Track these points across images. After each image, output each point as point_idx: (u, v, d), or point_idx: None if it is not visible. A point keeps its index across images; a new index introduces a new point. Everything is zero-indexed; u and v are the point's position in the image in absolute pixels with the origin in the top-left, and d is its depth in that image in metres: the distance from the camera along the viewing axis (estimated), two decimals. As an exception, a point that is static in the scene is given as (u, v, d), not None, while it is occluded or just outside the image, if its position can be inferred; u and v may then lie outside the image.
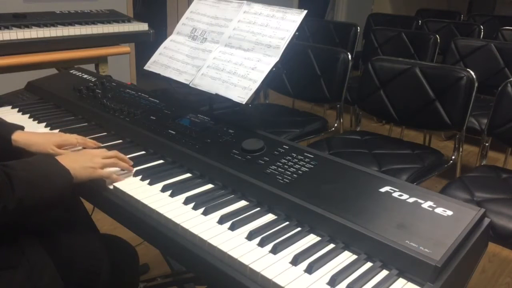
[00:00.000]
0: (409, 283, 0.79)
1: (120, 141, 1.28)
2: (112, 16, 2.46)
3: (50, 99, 1.56)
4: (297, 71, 2.46)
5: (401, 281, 0.79)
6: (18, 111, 1.46)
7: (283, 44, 1.33)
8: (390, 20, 4.38)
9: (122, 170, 1.09)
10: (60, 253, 1.07)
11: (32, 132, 1.21)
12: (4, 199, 0.85)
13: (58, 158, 1.00)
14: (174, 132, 1.26)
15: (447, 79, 1.99)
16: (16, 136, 1.15)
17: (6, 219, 0.87)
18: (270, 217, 0.96)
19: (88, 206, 1.21)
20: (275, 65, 1.32)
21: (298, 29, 1.34)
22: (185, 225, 0.90)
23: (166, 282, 1.84)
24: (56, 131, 1.32)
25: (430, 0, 6.24)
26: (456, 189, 1.69)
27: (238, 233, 0.89)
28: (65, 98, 1.52)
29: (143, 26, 2.47)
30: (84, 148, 1.18)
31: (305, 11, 1.35)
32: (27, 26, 2.07)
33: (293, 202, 0.95)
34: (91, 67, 2.17)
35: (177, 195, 1.01)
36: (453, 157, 2.04)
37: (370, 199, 0.95)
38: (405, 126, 3.08)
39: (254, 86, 1.30)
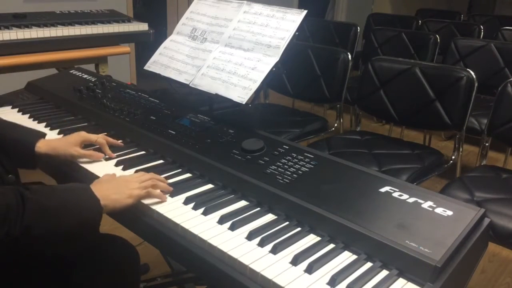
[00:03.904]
0: (409, 283, 0.79)
1: (120, 141, 1.28)
2: (112, 16, 2.46)
3: (50, 99, 1.56)
4: (297, 71, 2.46)
5: (401, 281, 0.79)
6: (18, 111, 1.47)
7: (283, 44, 1.33)
8: (390, 20, 4.37)
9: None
10: (60, 253, 1.07)
11: (52, 139, 1.19)
12: (9, 224, 0.79)
13: (93, 187, 0.94)
14: (174, 132, 1.26)
15: (447, 79, 1.99)
16: (40, 144, 1.13)
17: (10, 246, 0.81)
18: (270, 217, 0.96)
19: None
20: (275, 65, 1.32)
21: (298, 29, 1.34)
22: (185, 225, 0.90)
23: (166, 282, 1.84)
24: (56, 131, 1.32)
25: (430, 0, 6.24)
26: (456, 189, 1.69)
27: (238, 233, 0.89)
28: (65, 98, 1.52)
29: (143, 26, 2.47)
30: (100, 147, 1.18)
31: (305, 11, 1.35)
32: (27, 26, 2.07)
33: (293, 202, 0.95)
34: (91, 67, 2.17)
35: (177, 195, 1.01)
36: (453, 157, 2.04)
37: (370, 199, 0.95)
38: (405, 126, 3.08)
39: (254, 86, 1.30)
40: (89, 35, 2.25)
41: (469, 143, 3.35)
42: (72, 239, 0.92)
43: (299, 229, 0.92)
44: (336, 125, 2.42)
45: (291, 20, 1.36)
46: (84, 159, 1.15)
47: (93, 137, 1.18)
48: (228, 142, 1.19)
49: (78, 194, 0.91)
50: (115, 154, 1.18)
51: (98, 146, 1.19)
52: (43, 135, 1.18)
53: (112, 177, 1.03)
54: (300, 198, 0.95)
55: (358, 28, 3.50)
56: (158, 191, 1.00)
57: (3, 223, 0.78)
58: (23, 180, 1.10)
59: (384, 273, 0.81)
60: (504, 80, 1.96)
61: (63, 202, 0.88)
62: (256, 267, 0.80)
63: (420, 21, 4.22)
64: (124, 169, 1.13)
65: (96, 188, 0.94)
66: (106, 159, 1.16)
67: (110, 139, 1.22)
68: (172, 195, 1.01)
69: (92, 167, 1.12)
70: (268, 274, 0.78)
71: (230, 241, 0.87)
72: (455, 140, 2.03)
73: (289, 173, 1.04)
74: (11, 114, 1.44)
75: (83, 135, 1.17)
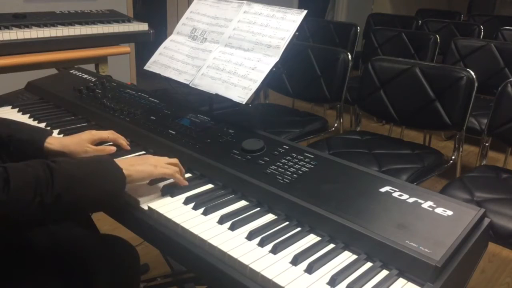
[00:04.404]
0: (409, 283, 0.79)
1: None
2: (112, 16, 2.46)
3: (50, 99, 1.56)
4: (297, 71, 2.46)
5: (401, 281, 0.79)
6: (18, 111, 1.47)
7: (283, 44, 1.33)
8: (390, 20, 4.38)
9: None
10: (60, 253, 1.07)
11: (62, 137, 1.21)
12: (42, 193, 0.82)
13: (115, 159, 0.97)
14: (174, 132, 1.26)
15: (447, 79, 1.99)
16: (50, 140, 1.14)
17: (44, 214, 0.84)
18: (270, 217, 0.96)
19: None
20: (275, 65, 1.32)
21: (298, 29, 1.34)
22: (185, 225, 0.90)
23: (166, 282, 1.84)
24: (56, 131, 1.32)
25: (430, 0, 6.24)
26: (456, 189, 1.69)
27: (238, 233, 0.89)
28: (65, 98, 1.52)
29: (143, 26, 2.47)
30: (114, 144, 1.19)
31: (305, 11, 1.35)
32: (27, 26, 2.07)
33: (293, 202, 0.95)
34: (91, 67, 2.17)
35: (177, 195, 1.01)
36: (453, 157, 2.04)
37: (370, 199, 0.95)
38: (405, 126, 3.08)
39: (254, 86, 1.30)
40: (89, 35, 2.25)
41: (469, 143, 3.35)
42: (99, 209, 0.98)
43: (299, 229, 0.92)
44: (336, 125, 2.42)
45: (291, 20, 1.36)
46: None
47: (104, 134, 1.19)
48: (228, 142, 1.19)
49: (101, 164, 0.94)
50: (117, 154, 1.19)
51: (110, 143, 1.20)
52: (50, 132, 1.19)
53: (138, 155, 1.08)
54: (300, 198, 0.95)
55: (358, 28, 3.51)
56: (180, 176, 1.03)
57: (35, 194, 0.81)
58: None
59: (384, 273, 0.81)
60: (504, 80, 1.96)
61: (87, 171, 0.91)
62: (256, 267, 0.80)
63: (420, 21, 4.22)
64: (124, 169, 1.12)
65: (119, 160, 0.97)
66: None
67: (119, 135, 1.22)
68: (172, 195, 1.01)
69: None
70: (268, 274, 0.78)
71: (230, 241, 0.87)
72: (455, 140, 2.03)
73: (289, 173, 1.04)
74: (11, 114, 1.44)
75: (94, 133, 1.18)
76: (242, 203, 1.01)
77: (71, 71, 1.78)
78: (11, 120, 1.23)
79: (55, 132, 1.32)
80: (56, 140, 1.15)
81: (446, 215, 0.90)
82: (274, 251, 0.84)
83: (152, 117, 1.35)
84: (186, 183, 1.04)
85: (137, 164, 0.98)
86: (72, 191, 0.86)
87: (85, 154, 1.14)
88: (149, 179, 1.01)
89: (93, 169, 0.92)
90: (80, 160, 0.96)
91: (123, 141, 1.21)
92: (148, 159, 1.02)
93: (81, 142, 1.15)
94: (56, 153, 1.13)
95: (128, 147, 1.21)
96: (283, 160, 1.09)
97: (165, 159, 1.05)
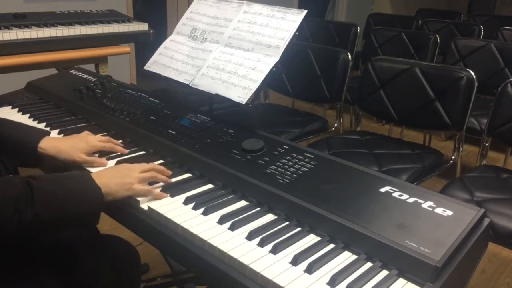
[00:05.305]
0: (409, 283, 0.79)
1: (120, 141, 1.27)
2: (112, 16, 2.46)
3: (50, 99, 1.56)
4: (297, 71, 2.46)
5: (401, 281, 0.79)
6: (18, 111, 1.47)
7: (283, 44, 1.33)
8: (390, 20, 4.38)
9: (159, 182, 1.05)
10: (60, 253, 1.07)
11: (58, 138, 1.19)
12: (21, 211, 0.82)
13: (93, 175, 0.96)
14: (174, 132, 1.26)
15: (447, 79, 1.99)
16: (44, 144, 1.13)
17: (23, 231, 0.84)
18: (270, 217, 0.96)
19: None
20: (275, 65, 1.32)
21: (298, 29, 1.34)
22: (185, 225, 0.90)
23: (166, 282, 1.84)
24: (56, 131, 1.32)
25: (430, 0, 6.24)
26: (456, 189, 1.69)
27: (238, 233, 0.89)
28: (65, 98, 1.52)
29: (143, 26, 2.47)
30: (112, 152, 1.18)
31: (305, 11, 1.35)
32: (27, 26, 2.07)
33: (293, 202, 0.95)
34: (91, 67, 2.17)
35: (177, 195, 1.01)
36: (453, 157, 2.04)
37: (370, 199, 0.95)
38: (405, 126, 3.08)
39: (254, 86, 1.30)
40: (89, 35, 2.25)
41: (469, 143, 3.35)
42: (77, 226, 1.00)
43: (299, 229, 0.92)
44: (336, 125, 2.42)
45: (291, 20, 1.36)
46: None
47: (100, 145, 1.16)
48: (228, 142, 1.19)
49: (80, 182, 0.94)
50: (115, 154, 1.18)
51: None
52: (47, 133, 1.18)
53: (113, 166, 1.06)
54: (300, 198, 0.95)
55: (358, 28, 3.51)
56: (157, 191, 1.01)
57: (15, 212, 0.82)
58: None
59: (384, 273, 0.81)
60: (504, 80, 1.96)
61: (66, 189, 0.91)
62: (256, 267, 0.80)
63: (420, 21, 4.22)
64: (124, 169, 1.12)
65: (96, 176, 0.96)
66: (107, 159, 1.16)
67: (114, 141, 1.21)
68: (172, 195, 1.01)
69: (93, 168, 1.13)
70: (268, 274, 0.78)
71: (230, 241, 0.87)
72: (455, 140, 2.03)
73: (289, 173, 1.04)
74: (11, 114, 1.44)
75: (91, 143, 1.15)
76: (242, 203, 1.01)
77: (71, 71, 1.78)
78: (7, 120, 1.23)
79: (55, 132, 1.32)
80: (49, 144, 1.13)
81: (446, 215, 0.90)
82: (274, 251, 0.84)
83: (152, 117, 1.35)
84: (165, 195, 1.01)
85: (114, 183, 0.96)
86: (51, 209, 0.87)
87: (74, 163, 1.12)
88: (128, 195, 0.98)
89: (72, 186, 0.92)
90: (59, 176, 0.95)
91: (119, 147, 1.19)
92: (123, 177, 0.98)
93: (73, 151, 1.12)
94: (47, 156, 1.13)
95: (126, 151, 1.19)
96: (283, 160, 1.09)
97: (140, 167, 1.02)
